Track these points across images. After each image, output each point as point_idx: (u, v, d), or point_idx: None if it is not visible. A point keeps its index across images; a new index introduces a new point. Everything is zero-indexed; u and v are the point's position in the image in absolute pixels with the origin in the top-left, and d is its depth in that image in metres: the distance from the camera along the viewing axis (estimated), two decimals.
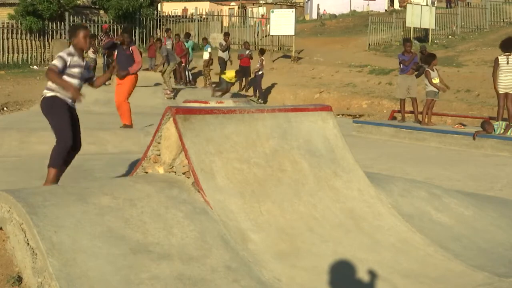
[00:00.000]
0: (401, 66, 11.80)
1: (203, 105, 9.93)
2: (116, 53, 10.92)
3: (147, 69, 19.78)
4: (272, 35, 23.16)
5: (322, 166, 4.62)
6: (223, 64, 18.34)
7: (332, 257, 3.75)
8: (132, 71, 10.01)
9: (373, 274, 3.64)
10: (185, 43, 18.97)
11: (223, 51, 18.33)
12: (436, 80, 11.01)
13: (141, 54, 11.50)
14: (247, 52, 18.30)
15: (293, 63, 21.83)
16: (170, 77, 16.31)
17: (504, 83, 10.12)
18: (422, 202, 5.01)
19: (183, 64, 18.61)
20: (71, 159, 5.48)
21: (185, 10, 35.39)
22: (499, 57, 10.16)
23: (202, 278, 3.19)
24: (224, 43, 18.53)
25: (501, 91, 10.18)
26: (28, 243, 3.18)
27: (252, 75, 18.07)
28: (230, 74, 16.43)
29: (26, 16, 22.10)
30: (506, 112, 10.13)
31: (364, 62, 21.19)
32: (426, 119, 11.11)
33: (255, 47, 24.33)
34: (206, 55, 18.62)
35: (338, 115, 15.86)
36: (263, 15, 30.83)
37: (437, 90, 10.98)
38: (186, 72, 18.96)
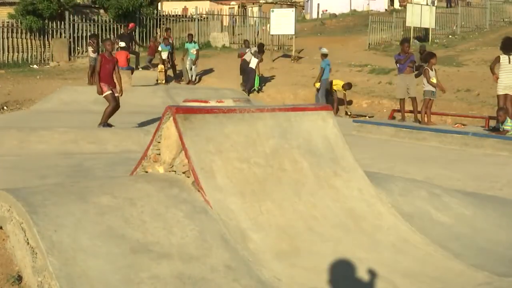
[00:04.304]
0: (398, 66, 11.82)
1: (203, 104, 9.92)
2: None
3: (147, 67, 19.88)
4: (272, 35, 23.15)
5: (322, 166, 4.62)
6: (246, 66, 18.44)
7: (332, 256, 3.75)
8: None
9: (373, 274, 3.64)
10: (188, 43, 19.02)
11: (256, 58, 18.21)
12: (433, 80, 11.01)
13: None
14: (247, 50, 18.38)
15: (293, 63, 21.82)
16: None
17: (504, 83, 10.10)
18: (422, 201, 5.01)
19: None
20: None
21: (185, 9, 35.38)
22: (500, 56, 10.14)
23: (202, 277, 3.19)
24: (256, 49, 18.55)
25: (501, 92, 10.15)
26: (28, 242, 3.18)
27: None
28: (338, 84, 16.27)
29: (26, 15, 22.06)
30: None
31: (364, 62, 21.18)
32: (426, 119, 11.11)
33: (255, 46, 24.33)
34: (164, 55, 18.72)
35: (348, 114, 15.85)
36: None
37: (434, 90, 10.99)
38: (191, 71, 19.05)
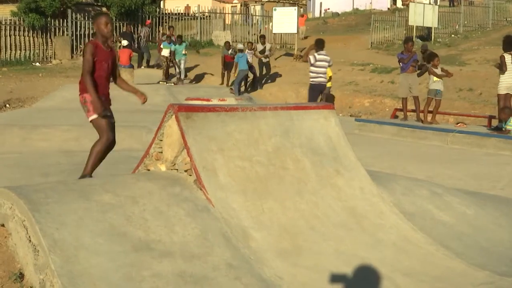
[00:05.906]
0: (401, 65, 11.82)
1: (205, 102, 9.93)
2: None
3: (152, 66, 19.89)
4: (274, 33, 23.17)
5: (324, 164, 4.62)
6: (261, 65, 19.11)
7: (333, 255, 3.75)
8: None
9: (374, 273, 3.64)
10: (177, 44, 18.94)
11: (262, 53, 18.94)
12: (436, 79, 11.01)
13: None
14: (230, 51, 18.62)
15: (295, 61, 21.80)
16: None
17: (506, 83, 10.08)
18: (424, 200, 5.01)
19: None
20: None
21: (187, 7, 35.37)
22: (504, 55, 10.11)
23: (204, 276, 3.20)
24: (261, 46, 18.83)
25: (502, 92, 10.13)
26: (30, 240, 3.19)
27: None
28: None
29: (28, 13, 22.08)
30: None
31: (367, 61, 21.15)
32: (429, 118, 11.09)
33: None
34: (165, 52, 18.67)
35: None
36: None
37: (438, 89, 10.97)
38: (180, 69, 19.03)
